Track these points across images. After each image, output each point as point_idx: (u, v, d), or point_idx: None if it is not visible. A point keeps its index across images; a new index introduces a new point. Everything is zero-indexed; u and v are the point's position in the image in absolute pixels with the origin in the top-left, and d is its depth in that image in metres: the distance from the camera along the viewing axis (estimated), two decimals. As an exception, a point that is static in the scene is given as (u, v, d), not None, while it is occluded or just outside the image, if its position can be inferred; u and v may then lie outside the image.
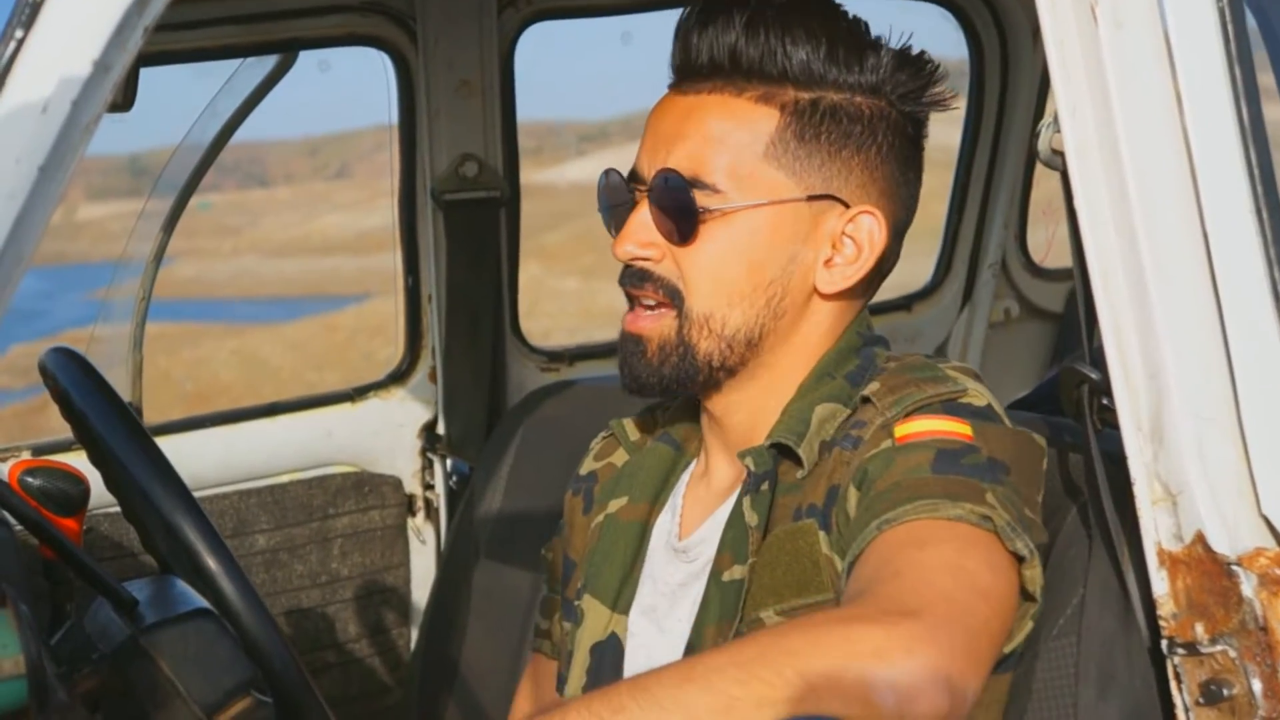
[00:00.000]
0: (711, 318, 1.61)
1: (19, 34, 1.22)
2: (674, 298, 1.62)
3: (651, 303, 1.63)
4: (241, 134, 2.83)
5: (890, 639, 1.30)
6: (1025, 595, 1.47)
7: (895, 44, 1.64)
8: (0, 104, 1.21)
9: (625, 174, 1.67)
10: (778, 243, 1.61)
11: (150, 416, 2.83)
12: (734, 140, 1.60)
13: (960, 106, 1.70)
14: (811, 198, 1.61)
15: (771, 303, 1.61)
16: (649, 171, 1.63)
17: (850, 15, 1.64)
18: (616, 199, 1.67)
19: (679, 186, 1.59)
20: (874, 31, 1.64)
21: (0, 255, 1.21)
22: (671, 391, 1.66)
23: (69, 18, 1.21)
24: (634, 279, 1.64)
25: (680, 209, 1.60)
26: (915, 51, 1.64)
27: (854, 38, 1.61)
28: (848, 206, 1.62)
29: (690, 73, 1.64)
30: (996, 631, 1.40)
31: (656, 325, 1.63)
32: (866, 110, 1.62)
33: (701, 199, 1.59)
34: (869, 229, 1.63)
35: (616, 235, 1.66)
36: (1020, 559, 1.45)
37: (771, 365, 1.64)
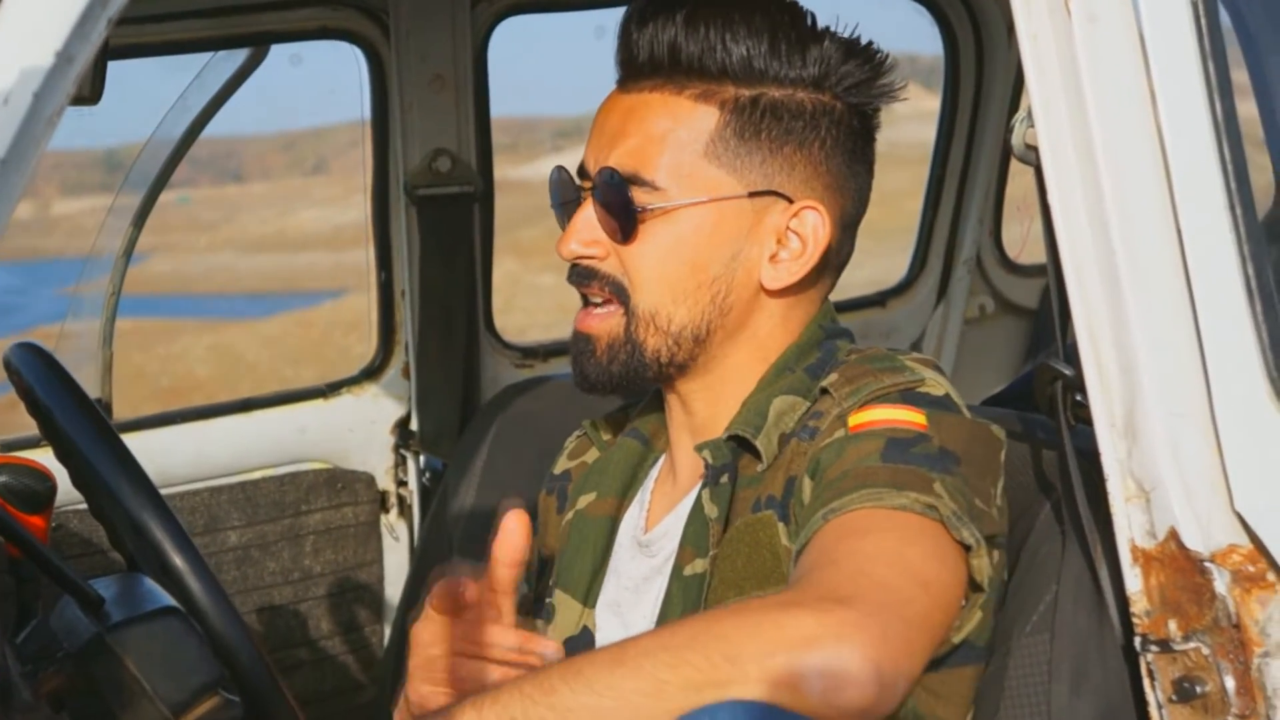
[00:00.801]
0: (657, 315, 1.61)
1: (-20, 25, 1.20)
2: (620, 295, 1.63)
3: (599, 300, 1.64)
4: (217, 129, 2.82)
5: (821, 626, 1.30)
6: (974, 586, 1.47)
7: (846, 35, 1.63)
8: (-39, 96, 1.19)
9: (574, 171, 1.67)
10: (720, 240, 1.61)
11: (124, 412, 2.81)
12: (674, 139, 1.61)
13: (909, 97, 1.69)
14: (753, 194, 1.61)
15: (717, 299, 1.62)
16: (593, 170, 1.64)
17: (795, 7, 1.63)
18: (566, 196, 1.69)
19: (618, 185, 1.60)
20: (836, 25, 1.64)
21: (-38, 249, 1.19)
22: (622, 389, 1.67)
23: (31, 8, 1.19)
24: (580, 277, 1.65)
25: (621, 207, 1.61)
26: (864, 42, 1.64)
27: (797, 31, 1.61)
28: (791, 202, 1.62)
29: (632, 70, 1.64)
30: (937, 623, 1.41)
31: (604, 324, 1.64)
32: (809, 105, 1.62)
33: (641, 197, 1.60)
34: (813, 224, 1.63)
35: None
36: (967, 548, 1.45)
37: (722, 359, 1.65)
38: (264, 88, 2.89)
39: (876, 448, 1.49)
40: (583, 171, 1.66)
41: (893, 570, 1.38)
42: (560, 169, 1.70)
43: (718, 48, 1.59)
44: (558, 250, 1.65)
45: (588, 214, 1.64)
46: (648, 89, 1.63)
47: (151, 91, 2.97)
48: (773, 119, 1.61)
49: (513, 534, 1.45)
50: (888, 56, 1.65)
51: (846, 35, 1.63)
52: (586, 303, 1.67)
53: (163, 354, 14.32)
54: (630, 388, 1.67)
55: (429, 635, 1.49)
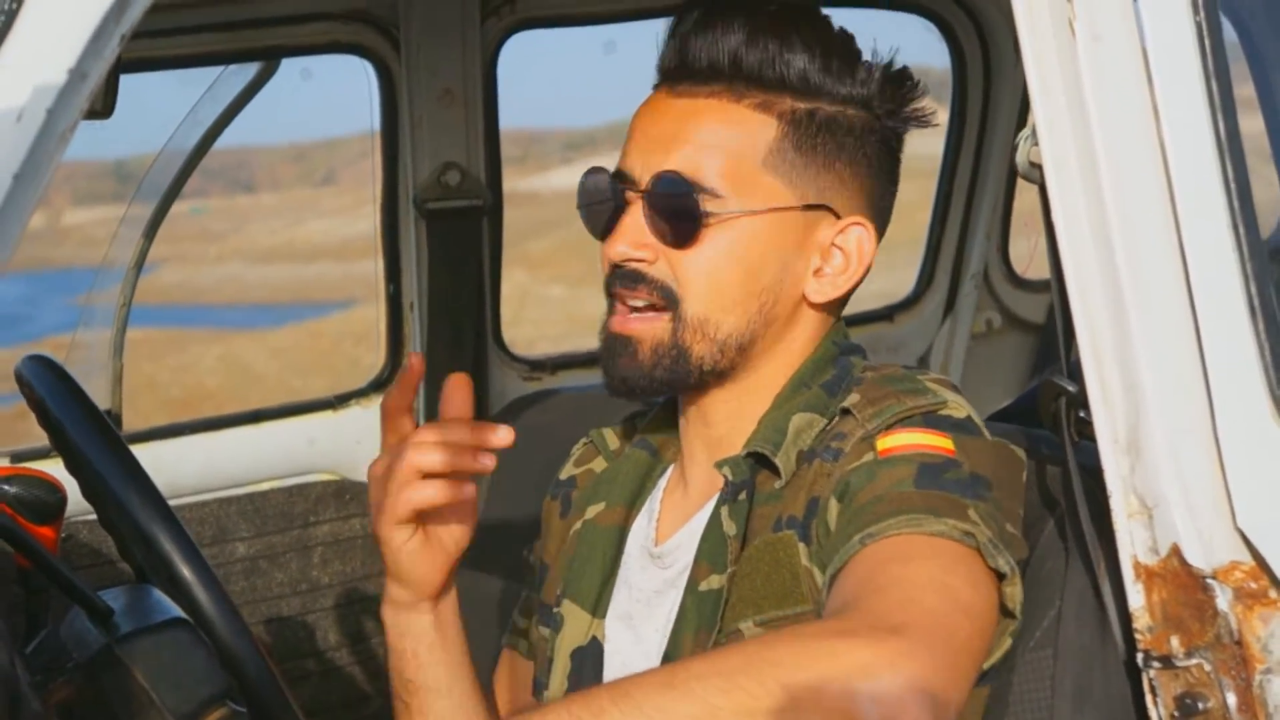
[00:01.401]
0: (707, 322, 1.61)
1: (-6, 42, 1.21)
2: (669, 300, 1.62)
3: (641, 304, 1.63)
4: (228, 140, 2.83)
5: (875, 654, 1.30)
6: (1005, 612, 1.48)
7: (881, 59, 1.65)
8: (-25, 111, 1.20)
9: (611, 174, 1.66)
10: (773, 250, 1.62)
11: (134, 422, 2.82)
12: (734, 146, 1.61)
13: (941, 122, 1.72)
14: (807, 207, 1.62)
15: (764, 310, 1.62)
16: (642, 173, 1.62)
17: (843, 28, 1.65)
18: (599, 198, 1.66)
19: (682, 189, 1.60)
20: (861, 44, 1.66)
21: (-25, 263, 1.20)
22: (659, 394, 1.67)
23: (45, 25, 1.20)
24: (626, 280, 1.63)
25: (681, 212, 1.60)
26: (899, 66, 1.66)
27: (846, 50, 1.64)
28: (839, 217, 1.63)
29: (687, 75, 1.64)
30: (979, 648, 1.41)
31: (650, 327, 1.63)
32: (858, 123, 1.64)
33: (702, 203, 1.60)
34: (858, 239, 1.64)
35: (601, 236, 1.65)
36: (1001, 576, 1.45)
37: (756, 370, 1.65)
38: (275, 99, 2.90)
39: (909, 473, 1.49)
40: (622, 176, 1.65)
41: (939, 598, 1.38)
42: (598, 170, 1.68)
43: (777, 60, 1.60)
44: (606, 253, 1.64)
45: (637, 216, 1.63)
46: (704, 95, 1.62)
47: (163, 103, 2.99)
48: (827, 134, 1.62)
49: (459, 390, 1.57)
50: (920, 82, 1.67)
51: (886, 60, 1.65)
52: (616, 305, 1.65)
53: (172, 364, 14.33)
54: (665, 393, 1.67)
55: (380, 466, 1.54)
